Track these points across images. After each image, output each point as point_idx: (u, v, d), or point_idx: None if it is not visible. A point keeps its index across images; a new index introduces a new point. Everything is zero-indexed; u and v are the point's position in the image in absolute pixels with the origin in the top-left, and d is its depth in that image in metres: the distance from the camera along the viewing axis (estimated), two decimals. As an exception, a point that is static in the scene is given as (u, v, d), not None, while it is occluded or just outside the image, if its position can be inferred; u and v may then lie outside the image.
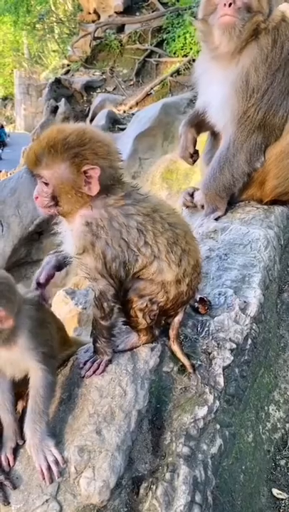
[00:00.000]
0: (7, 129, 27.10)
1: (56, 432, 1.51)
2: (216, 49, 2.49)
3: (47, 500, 1.38)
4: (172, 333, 1.71)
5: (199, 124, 2.85)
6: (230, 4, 2.36)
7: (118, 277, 1.54)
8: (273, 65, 2.40)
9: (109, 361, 1.63)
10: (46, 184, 1.48)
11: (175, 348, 1.71)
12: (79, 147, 1.45)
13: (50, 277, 1.73)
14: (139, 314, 1.60)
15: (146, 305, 1.59)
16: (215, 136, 2.88)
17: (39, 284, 1.73)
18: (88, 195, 1.48)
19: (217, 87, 2.54)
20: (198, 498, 1.44)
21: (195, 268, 1.65)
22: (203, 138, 3.00)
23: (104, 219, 1.50)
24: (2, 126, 23.64)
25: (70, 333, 5.45)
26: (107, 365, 1.62)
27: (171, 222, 1.60)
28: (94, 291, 1.56)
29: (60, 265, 1.72)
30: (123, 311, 1.62)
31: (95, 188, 1.47)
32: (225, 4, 2.36)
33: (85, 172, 1.45)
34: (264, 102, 2.43)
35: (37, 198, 1.50)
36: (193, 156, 2.92)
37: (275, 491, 1.83)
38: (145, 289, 1.58)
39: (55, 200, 1.49)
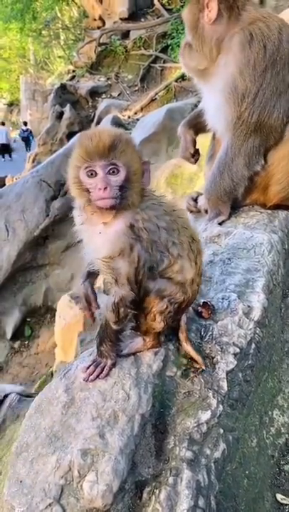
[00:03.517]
0: (13, 135, 27.21)
1: (59, 436, 1.51)
2: (192, 70, 2.60)
3: (50, 504, 1.38)
4: (182, 335, 1.73)
5: (197, 125, 2.88)
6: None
7: (142, 284, 1.54)
8: (258, 67, 2.39)
9: (113, 365, 1.63)
10: (117, 173, 1.44)
11: (188, 348, 1.72)
12: (134, 141, 1.52)
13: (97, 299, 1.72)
14: (158, 318, 1.60)
15: (166, 306, 1.59)
16: (216, 140, 2.90)
17: (92, 314, 1.74)
18: (141, 191, 1.51)
19: (209, 97, 2.60)
20: (201, 502, 1.43)
21: (201, 268, 1.68)
22: (206, 142, 3.02)
23: (145, 220, 1.50)
24: (28, 130, 23.78)
25: (75, 337, 5.46)
26: (110, 369, 1.62)
27: (185, 222, 1.64)
28: (114, 296, 1.54)
29: (93, 285, 1.71)
30: (137, 315, 1.63)
31: (147, 181, 1.53)
32: None
33: (143, 163, 1.51)
34: (256, 104, 2.43)
35: (106, 188, 1.42)
36: (195, 155, 2.94)
37: (279, 497, 1.82)
38: (166, 290, 1.58)
39: (122, 190, 1.45)
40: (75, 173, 1.47)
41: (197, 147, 2.95)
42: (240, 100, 2.43)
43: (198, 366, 1.73)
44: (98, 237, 1.52)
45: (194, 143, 2.93)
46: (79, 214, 1.57)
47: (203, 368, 1.72)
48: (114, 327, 1.59)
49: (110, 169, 1.44)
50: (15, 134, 27.42)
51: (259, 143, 2.54)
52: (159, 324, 1.62)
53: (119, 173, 1.44)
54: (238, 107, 2.44)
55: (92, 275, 1.71)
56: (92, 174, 1.44)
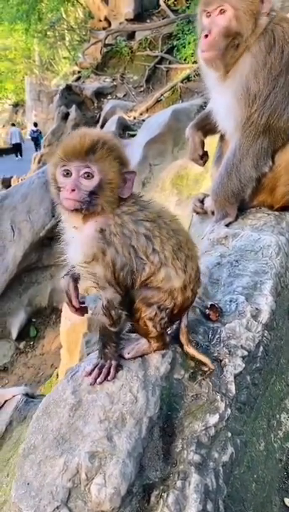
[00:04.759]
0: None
1: (67, 438, 1.51)
2: (209, 74, 2.52)
3: (58, 507, 1.38)
4: (183, 338, 1.71)
5: (205, 126, 2.87)
6: (206, 35, 2.35)
7: (125, 285, 1.53)
8: (274, 70, 2.38)
9: (120, 366, 1.63)
10: (90, 177, 1.44)
11: (191, 350, 1.71)
12: (121, 149, 1.50)
13: (78, 295, 1.71)
14: (149, 323, 1.58)
15: (156, 313, 1.57)
16: (223, 139, 2.89)
17: (77, 310, 1.71)
18: (117, 199, 1.49)
19: (220, 97, 2.56)
20: (209, 506, 1.42)
21: (196, 273, 1.64)
22: (214, 144, 3.01)
23: (118, 225, 1.48)
24: (38, 131, 23.98)
25: (80, 338, 5.46)
26: (117, 371, 1.61)
27: (174, 229, 1.59)
28: (101, 299, 1.54)
29: (77, 279, 1.69)
30: (132, 319, 1.62)
31: (127, 191, 1.50)
32: (206, 35, 2.35)
33: (124, 173, 1.48)
34: (267, 106, 2.42)
35: (74, 190, 1.43)
36: (203, 157, 2.93)
37: (287, 501, 1.81)
38: (153, 297, 1.56)
39: (92, 196, 1.44)
40: (52, 171, 1.49)
41: (206, 149, 2.94)
42: (251, 101, 2.42)
43: (206, 368, 1.71)
44: (73, 241, 1.54)
45: (203, 145, 2.92)
46: (60, 213, 1.58)
47: (212, 368, 1.70)
48: (112, 329, 1.58)
49: (84, 173, 1.43)
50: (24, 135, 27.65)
51: (267, 144, 2.53)
52: (152, 329, 1.60)
53: (93, 178, 1.44)
54: (249, 107, 2.43)
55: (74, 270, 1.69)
56: (68, 174, 1.45)
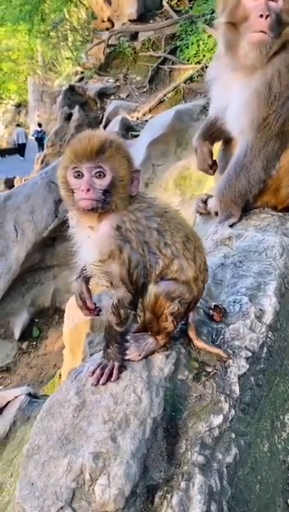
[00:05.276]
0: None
1: (71, 438, 1.51)
2: (239, 59, 2.45)
3: (62, 507, 1.38)
4: (192, 333, 1.74)
5: (212, 135, 2.85)
6: (266, 16, 2.30)
7: (138, 284, 1.55)
8: None
9: (124, 367, 1.63)
10: (102, 176, 1.46)
11: (201, 344, 1.73)
12: (127, 148, 1.53)
13: (92, 297, 1.73)
14: (170, 318, 1.61)
15: (178, 308, 1.60)
16: (227, 143, 2.88)
17: (91, 311, 1.73)
18: (128, 197, 1.52)
19: (237, 93, 2.51)
20: (213, 508, 1.42)
21: (204, 265, 1.69)
22: (217, 145, 3.01)
23: (132, 222, 1.52)
24: (43, 131, 24.09)
25: (83, 338, 5.46)
26: (120, 372, 1.62)
27: (180, 222, 1.65)
28: (112, 298, 1.56)
29: (88, 281, 1.71)
30: (149, 319, 1.63)
31: (136, 189, 1.54)
32: (262, 15, 2.30)
33: (133, 172, 1.52)
34: (284, 109, 2.42)
35: (88, 190, 1.44)
36: (212, 167, 2.92)
37: (290, 502, 1.81)
38: (175, 291, 1.59)
39: (106, 194, 1.47)
40: (63, 174, 1.50)
41: (214, 158, 2.93)
42: (270, 102, 2.41)
43: (224, 357, 1.74)
44: (87, 241, 1.55)
45: (211, 154, 2.91)
46: (71, 217, 1.60)
47: (226, 356, 1.73)
48: (118, 329, 1.59)
49: (96, 172, 1.46)
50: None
51: (278, 147, 2.53)
52: (170, 324, 1.63)
53: (105, 177, 1.46)
54: (267, 107, 2.42)
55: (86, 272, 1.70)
56: (79, 175, 1.46)
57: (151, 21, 16.96)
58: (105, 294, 1.61)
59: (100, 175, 1.46)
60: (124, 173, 1.49)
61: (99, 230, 1.52)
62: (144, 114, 13.36)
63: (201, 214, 3.05)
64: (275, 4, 2.34)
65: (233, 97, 2.57)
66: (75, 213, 1.55)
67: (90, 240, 1.54)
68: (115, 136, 1.57)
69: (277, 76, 2.39)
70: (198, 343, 1.74)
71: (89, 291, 1.71)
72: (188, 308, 1.67)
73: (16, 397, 2.38)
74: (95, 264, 1.54)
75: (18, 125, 27.52)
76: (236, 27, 2.42)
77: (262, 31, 2.33)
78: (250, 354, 1.79)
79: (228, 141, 2.87)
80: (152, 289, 1.58)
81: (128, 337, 1.65)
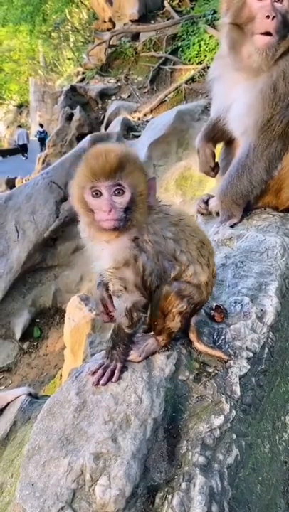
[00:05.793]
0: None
1: (71, 439, 1.51)
2: (243, 60, 2.43)
3: (62, 508, 1.38)
4: (193, 335, 1.74)
5: (215, 136, 2.84)
6: (273, 17, 2.28)
7: (151, 288, 1.56)
8: None
9: (125, 368, 1.63)
10: (122, 194, 1.42)
11: (202, 347, 1.73)
12: (140, 158, 1.51)
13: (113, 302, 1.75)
14: (177, 318, 1.62)
15: (186, 307, 1.61)
16: (229, 143, 2.87)
17: (111, 317, 1.75)
18: (147, 209, 1.51)
19: (241, 93, 2.49)
20: (214, 508, 1.41)
21: (215, 269, 1.71)
22: (219, 146, 3.00)
23: (150, 234, 1.51)
24: (45, 131, 24.16)
25: (84, 338, 5.46)
26: (122, 372, 1.62)
27: (194, 229, 1.66)
28: (125, 302, 1.56)
29: (108, 287, 1.72)
30: (155, 317, 1.64)
31: (153, 199, 1.53)
32: (268, 16, 2.28)
33: (148, 181, 1.49)
34: (288, 111, 2.40)
35: (110, 210, 1.40)
36: (215, 169, 2.91)
37: (291, 503, 1.80)
38: (186, 290, 1.60)
39: (126, 212, 1.43)
40: (80, 193, 1.45)
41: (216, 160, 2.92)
42: (275, 103, 2.39)
43: (225, 358, 1.74)
44: (103, 251, 1.53)
45: (214, 156, 2.91)
46: (83, 229, 1.56)
47: (226, 358, 1.74)
48: (128, 331, 1.61)
49: (115, 190, 1.42)
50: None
51: (281, 148, 2.52)
52: (176, 324, 1.64)
53: (124, 194, 1.43)
54: (272, 108, 2.41)
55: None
56: (97, 194, 1.42)
57: (152, 22, 16.97)
58: (117, 297, 1.61)
59: (118, 192, 1.42)
60: (143, 186, 1.46)
61: (115, 242, 1.50)
62: (145, 115, 13.36)
63: (202, 214, 3.04)
64: (280, 5, 2.32)
65: (236, 96, 2.55)
66: (91, 229, 1.50)
67: (107, 248, 1.52)
68: (127, 147, 1.53)
69: (283, 77, 2.37)
70: (199, 346, 1.74)
71: (110, 297, 1.72)
72: (195, 310, 1.68)
73: (16, 398, 2.38)
74: (109, 270, 1.53)
75: (19, 126, 27.65)
76: (241, 27, 2.40)
77: (268, 32, 2.32)
78: (251, 355, 1.79)
79: (229, 142, 2.86)
80: (164, 287, 1.59)
81: (134, 339, 1.66)
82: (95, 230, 1.49)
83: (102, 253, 1.53)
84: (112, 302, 1.72)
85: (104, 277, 1.62)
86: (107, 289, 1.71)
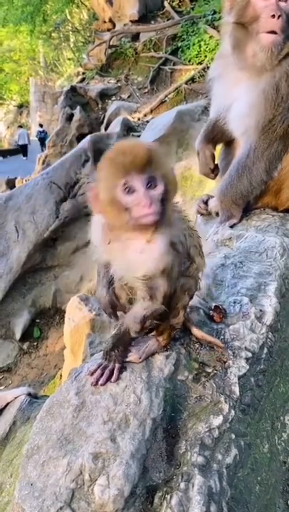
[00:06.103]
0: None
1: (70, 439, 1.51)
2: (246, 59, 2.42)
3: (61, 508, 1.38)
4: (189, 323, 1.76)
5: (214, 138, 2.83)
6: (278, 16, 2.28)
7: (173, 296, 1.55)
8: None
9: (124, 368, 1.63)
10: (155, 186, 1.35)
11: (199, 333, 1.76)
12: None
13: None
14: (181, 312, 1.62)
15: (188, 300, 1.63)
16: (229, 144, 2.87)
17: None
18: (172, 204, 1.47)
19: (243, 93, 2.49)
20: (213, 508, 1.42)
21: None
22: (219, 147, 3.00)
23: (181, 234, 1.49)
24: (45, 131, 24.19)
25: (84, 339, 5.47)
26: (121, 372, 1.62)
27: (189, 219, 1.65)
28: (145, 310, 1.51)
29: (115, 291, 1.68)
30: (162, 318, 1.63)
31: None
32: (273, 15, 2.27)
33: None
34: None
35: (151, 203, 1.32)
36: (214, 170, 2.90)
37: (290, 503, 1.80)
38: (188, 284, 1.60)
39: (162, 204, 1.36)
40: (111, 194, 1.34)
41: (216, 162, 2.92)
42: (277, 103, 2.39)
43: (221, 347, 1.75)
44: (136, 255, 1.42)
45: (213, 158, 2.90)
46: (103, 233, 1.46)
47: (222, 346, 1.75)
48: (133, 335, 1.60)
49: (149, 183, 1.34)
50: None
51: (282, 149, 2.51)
52: (179, 320, 1.64)
53: (158, 186, 1.35)
54: (274, 109, 2.40)
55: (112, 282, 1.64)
56: (130, 191, 1.33)
57: (152, 22, 16.97)
58: (135, 303, 1.56)
59: (152, 185, 1.34)
60: (173, 176, 1.41)
61: (154, 245, 1.41)
62: (145, 115, 13.36)
63: (201, 214, 3.04)
64: (285, 4, 2.32)
65: (238, 96, 2.54)
66: (123, 230, 1.40)
67: (142, 255, 1.42)
68: (150, 142, 1.54)
69: (285, 78, 2.37)
70: (197, 332, 1.75)
71: (118, 298, 1.68)
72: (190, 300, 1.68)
73: (16, 398, 2.38)
74: (141, 279, 1.44)
75: (20, 126, 27.71)
76: (245, 27, 2.39)
77: (273, 31, 2.32)
78: (250, 355, 1.79)
79: (229, 142, 2.86)
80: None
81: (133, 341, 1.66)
82: (131, 230, 1.38)
83: (137, 257, 1.42)
84: (121, 305, 1.66)
85: (126, 282, 1.53)
86: (114, 293, 1.64)
